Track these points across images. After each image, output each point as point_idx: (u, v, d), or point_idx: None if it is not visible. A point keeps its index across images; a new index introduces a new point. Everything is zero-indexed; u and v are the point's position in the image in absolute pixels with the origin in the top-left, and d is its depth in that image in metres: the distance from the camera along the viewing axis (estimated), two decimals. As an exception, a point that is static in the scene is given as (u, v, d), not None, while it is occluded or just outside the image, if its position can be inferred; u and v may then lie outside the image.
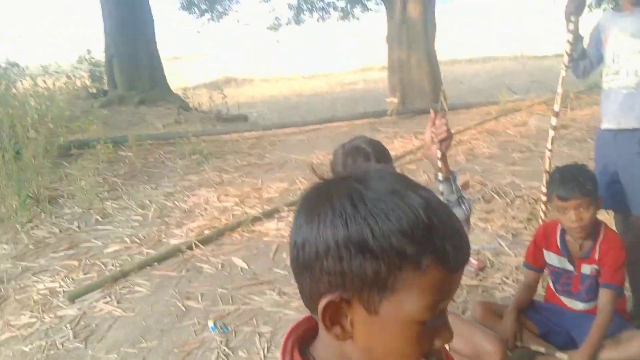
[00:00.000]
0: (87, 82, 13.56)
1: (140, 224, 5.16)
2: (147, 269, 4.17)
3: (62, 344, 3.32)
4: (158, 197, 5.86)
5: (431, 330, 0.77)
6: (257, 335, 3.23)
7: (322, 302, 0.77)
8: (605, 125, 2.90)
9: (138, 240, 4.76)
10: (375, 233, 0.73)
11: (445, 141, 2.27)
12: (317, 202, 0.79)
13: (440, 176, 2.25)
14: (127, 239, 4.78)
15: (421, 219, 0.73)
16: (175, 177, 6.60)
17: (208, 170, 6.79)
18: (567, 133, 6.81)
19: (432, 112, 2.31)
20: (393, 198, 0.75)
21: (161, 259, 4.31)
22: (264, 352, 3.07)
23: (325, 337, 0.84)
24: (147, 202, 5.70)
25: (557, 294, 2.80)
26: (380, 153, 2.24)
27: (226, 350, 3.13)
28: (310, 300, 0.81)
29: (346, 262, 0.74)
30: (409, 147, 6.91)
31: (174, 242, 4.64)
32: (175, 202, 5.69)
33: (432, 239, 0.73)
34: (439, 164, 2.30)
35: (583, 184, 2.50)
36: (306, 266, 0.78)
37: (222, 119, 10.43)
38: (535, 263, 2.82)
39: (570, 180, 2.52)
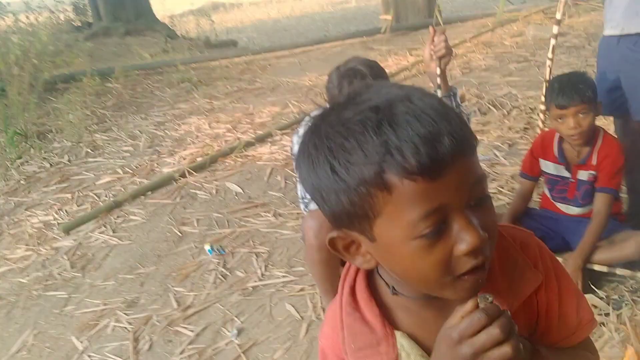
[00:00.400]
0: (71, 16, 13.16)
1: (132, 155, 5.09)
2: (141, 198, 4.14)
3: (60, 274, 3.33)
4: (148, 127, 5.76)
5: (444, 240, 0.70)
6: (255, 256, 3.23)
7: (326, 240, 0.78)
8: (608, 31, 2.78)
9: (130, 171, 4.70)
10: (335, 168, 0.70)
11: (445, 58, 2.22)
12: (300, 149, 0.77)
13: (439, 93, 2.20)
14: (119, 170, 4.73)
15: (371, 137, 0.67)
16: (165, 107, 6.47)
17: (198, 97, 6.65)
18: (564, 41, 6.61)
19: (431, 29, 2.24)
20: (348, 124, 0.70)
21: (154, 187, 4.27)
22: (261, 270, 3.07)
23: None
24: (138, 132, 5.61)
25: (552, 201, 2.77)
26: (377, 73, 2.17)
27: (224, 271, 3.14)
28: None
29: (328, 202, 0.73)
30: (403, 64, 6.74)
31: (166, 170, 4.58)
32: (166, 131, 5.59)
33: (389, 154, 0.66)
34: (438, 80, 2.23)
35: (582, 91, 2.43)
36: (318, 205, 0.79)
37: (210, 45, 10.15)
38: (532, 172, 2.78)
39: (569, 88, 2.44)
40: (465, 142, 0.69)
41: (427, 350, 0.81)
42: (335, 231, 0.77)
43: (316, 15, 15.12)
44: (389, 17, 8.77)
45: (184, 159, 4.78)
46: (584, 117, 2.43)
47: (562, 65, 5.64)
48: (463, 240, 0.69)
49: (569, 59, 5.87)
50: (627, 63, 2.68)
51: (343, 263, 2.44)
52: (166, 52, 9.22)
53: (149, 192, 4.21)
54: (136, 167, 4.76)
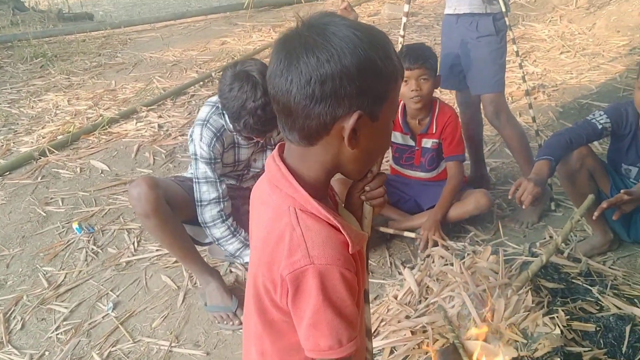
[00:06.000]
0: None
1: (-16, 134, 4.80)
2: (-1, 179, 3.96)
3: None
4: (1, 104, 5.42)
5: None
6: (126, 232, 3.25)
7: (352, 118, 0.95)
8: (447, 10, 3.09)
9: (-16, 151, 4.45)
10: (382, 58, 0.95)
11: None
12: (311, 42, 0.94)
13: None
14: (-30, 151, 4.45)
15: (394, 52, 0.99)
16: (18, 83, 6.09)
17: (54, 73, 6.33)
18: (415, 20, 7.09)
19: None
20: (385, 39, 0.99)
21: (13, 167, 4.10)
22: (134, 246, 3.11)
23: (308, 154, 1.03)
24: (-11, 110, 5.27)
25: (401, 169, 3.06)
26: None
27: (95, 248, 3.13)
28: (315, 128, 0.98)
29: (365, 82, 0.94)
30: (267, 41, 6.86)
31: (24, 149, 4.39)
32: (21, 109, 5.30)
33: (401, 65, 1.01)
34: None
35: (425, 57, 2.75)
36: (323, 97, 0.94)
37: (64, 18, 9.57)
38: None
39: (414, 53, 2.76)
40: None
41: None
42: (354, 112, 0.95)
43: (177, -11, 14.76)
44: (250, -8, 8.81)
45: (43, 137, 4.59)
46: (424, 82, 2.74)
47: (414, 43, 6.06)
48: None
49: (420, 38, 6.32)
50: (465, 42, 3.01)
51: (189, 222, 2.53)
52: (15, 25, 8.56)
53: (7, 173, 4.04)
54: (-10, 147, 4.51)
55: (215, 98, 2.46)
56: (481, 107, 3.21)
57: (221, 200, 2.47)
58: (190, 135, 2.48)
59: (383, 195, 1.14)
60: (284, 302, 1.02)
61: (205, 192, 2.45)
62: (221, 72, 2.44)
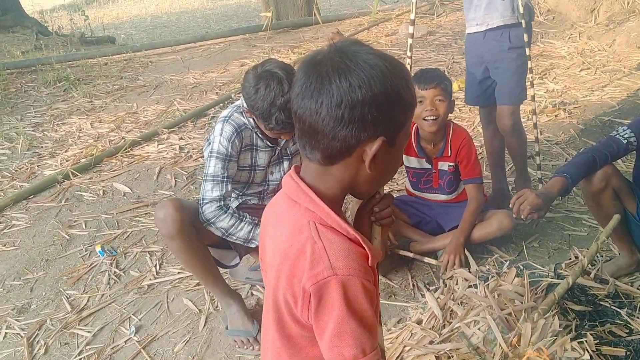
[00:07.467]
0: None
1: (9, 158, 4.88)
2: (23, 203, 4.01)
3: (-61, 286, 3.17)
4: (25, 128, 5.51)
5: None
6: (148, 255, 3.26)
7: (376, 144, 1.00)
8: (473, 29, 3.11)
9: (9, 174, 4.51)
10: (404, 88, 1.00)
11: None
12: (344, 67, 0.97)
13: None
14: (-4, 174, 4.52)
15: (410, 77, 1.05)
16: (42, 107, 6.20)
17: (77, 97, 6.43)
18: (434, 39, 7.10)
19: (333, 34, 2.60)
20: (407, 73, 1.04)
21: (37, 191, 4.15)
22: (156, 269, 3.12)
23: (327, 173, 1.06)
24: (14, 134, 5.36)
25: (420, 193, 3.03)
26: (293, 77, 2.22)
27: (117, 271, 3.15)
28: (338, 150, 1.01)
29: (389, 110, 0.99)
30: (286, 62, 6.90)
31: (48, 172, 4.45)
32: (45, 133, 5.39)
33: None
34: None
35: (442, 78, 2.76)
36: (351, 121, 0.98)
37: (86, 42, 9.75)
38: None
39: (430, 73, 2.78)
40: None
41: None
42: (378, 137, 1.00)
43: (196, 12, 14.99)
44: (269, 14, 8.90)
45: (67, 160, 4.66)
46: (440, 103, 2.72)
47: (432, 62, 6.08)
48: None
49: (438, 57, 6.32)
50: (495, 53, 3.03)
51: (214, 245, 2.50)
52: (39, 50, 8.75)
53: (32, 196, 4.09)
54: (15, 170, 4.57)
55: (231, 111, 2.45)
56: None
57: (223, 200, 2.38)
58: (208, 140, 2.47)
59: (391, 215, 1.19)
60: (305, 315, 1.05)
61: (209, 190, 2.37)
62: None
